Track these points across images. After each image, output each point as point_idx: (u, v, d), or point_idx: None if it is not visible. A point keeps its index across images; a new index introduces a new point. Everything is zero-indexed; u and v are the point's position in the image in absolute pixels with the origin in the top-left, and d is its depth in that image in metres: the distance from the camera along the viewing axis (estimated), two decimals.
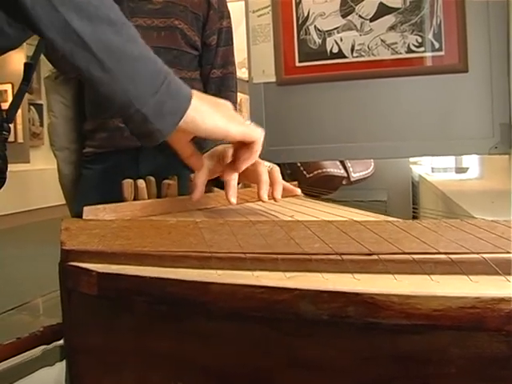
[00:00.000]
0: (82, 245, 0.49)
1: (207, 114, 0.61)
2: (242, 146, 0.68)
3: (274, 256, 0.41)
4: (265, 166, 0.75)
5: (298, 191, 0.81)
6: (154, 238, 0.49)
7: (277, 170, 0.77)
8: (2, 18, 0.71)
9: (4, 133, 0.73)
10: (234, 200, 0.70)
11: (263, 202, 0.71)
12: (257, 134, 0.67)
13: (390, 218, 0.56)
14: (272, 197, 0.73)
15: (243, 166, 0.69)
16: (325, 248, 0.43)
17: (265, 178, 0.73)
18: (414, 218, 0.62)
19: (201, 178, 0.72)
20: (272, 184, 0.75)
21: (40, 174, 7.02)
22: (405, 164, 2.37)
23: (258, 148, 0.68)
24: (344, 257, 0.40)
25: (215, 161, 0.76)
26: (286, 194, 0.79)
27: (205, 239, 0.47)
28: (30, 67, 0.81)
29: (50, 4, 0.53)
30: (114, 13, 0.57)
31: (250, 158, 0.68)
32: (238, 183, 0.74)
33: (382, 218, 0.62)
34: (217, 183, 0.79)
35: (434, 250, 0.41)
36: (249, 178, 0.77)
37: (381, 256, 0.40)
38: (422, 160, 2.68)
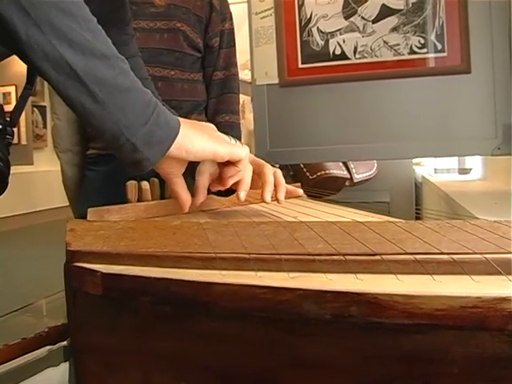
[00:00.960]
0: (87, 246, 0.49)
1: (196, 139, 0.64)
2: (228, 163, 0.70)
3: (278, 256, 0.41)
4: (270, 168, 0.76)
5: (300, 191, 0.82)
6: (158, 239, 0.49)
7: (279, 172, 0.78)
8: None
9: (7, 137, 0.73)
10: (243, 196, 0.72)
11: (266, 203, 0.72)
12: (242, 152, 0.70)
13: (393, 219, 0.56)
14: (275, 198, 0.74)
15: (230, 183, 0.72)
16: (328, 249, 0.43)
17: (270, 179, 0.75)
18: (417, 218, 0.63)
19: (202, 182, 0.73)
20: (276, 186, 0.76)
21: (43, 176, 7.03)
22: (408, 165, 2.36)
23: (243, 165, 0.71)
24: (347, 257, 0.41)
25: (215, 164, 0.76)
26: (289, 195, 0.80)
27: (209, 240, 0.47)
28: (33, 71, 0.81)
29: (45, 37, 0.53)
30: (107, 47, 0.58)
31: (237, 176, 0.71)
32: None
33: (385, 218, 0.62)
34: (217, 193, 0.79)
35: (437, 251, 0.41)
36: (253, 181, 0.78)
37: (384, 256, 0.41)
38: (425, 161, 2.67)
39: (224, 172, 0.71)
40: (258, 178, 0.77)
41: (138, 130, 0.58)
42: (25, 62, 0.57)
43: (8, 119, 0.75)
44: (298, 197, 0.84)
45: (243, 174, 0.72)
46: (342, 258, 0.41)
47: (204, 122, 0.72)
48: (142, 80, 0.66)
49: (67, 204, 1.43)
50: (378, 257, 0.40)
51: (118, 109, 0.57)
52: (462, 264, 0.39)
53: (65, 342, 0.64)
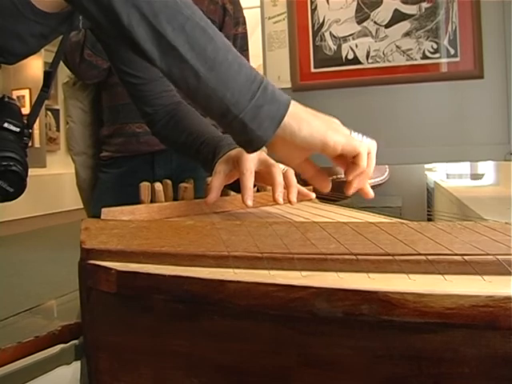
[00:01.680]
0: (102, 244, 0.50)
1: (305, 121, 0.59)
2: (347, 161, 0.63)
3: (290, 255, 0.42)
4: (279, 169, 0.74)
5: (313, 195, 0.81)
6: (172, 238, 0.50)
7: (291, 172, 0.77)
8: (26, 28, 0.73)
9: (24, 139, 0.74)
10: (250, 203, 0.69)
11: (278, 204, 0.71)
12: (361, 146, 0.61)
13: (405, 221, 0.57)
14: (287, 200, 0.73)
15: (353, 189, 0.65)
16: (340, 248, 0.43)
17: (279, 180, 0.73)
18: (429, 220, 0.63)
19: (216, 182, 0.73)
20: (287, 187, 0.75)
21: (56, 179, 7.09)
22: (420, 170, 2.36)
23: (363, 162, 0.61)
24: (359, 257, 0.41)
25: (231, 165, 0.76)
26: (301, 197, 0.80)
27: (222, 239, 0.48)
28: (49, 75, 0.83)
29: (144, 17, 0.54)
30: (205, 22, 0.58)
31: (360, 176, 0.63)
32: (254, 186, 0.74)
33: (397, 221, 0.63)
34: (233, 187, 0.79)
35: (449, 251, 0.42)
36: (264, 181, 0.78)
37: (396, 256, 0.41)
38: (437, 166, 2.67)
39: (347, 173, 0.63)
40: (268, 178, 0.75)
41: (244, 105, 0.56)
42: (129, 46, 0.58)
43: (25, 122, 0.76)
44: (310, 200, 0.84)
45: (364, 175, 0.64)
46: (354, 257, 0.41)
47: (326, 116, 0.63)
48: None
49: (79, 207, 1.44)
50: (389, 257, 0.41)
51: (222, 84, 0.56)
52: (474, 264, 0.39)
53: (78, 340, 0.65)
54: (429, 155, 1.45)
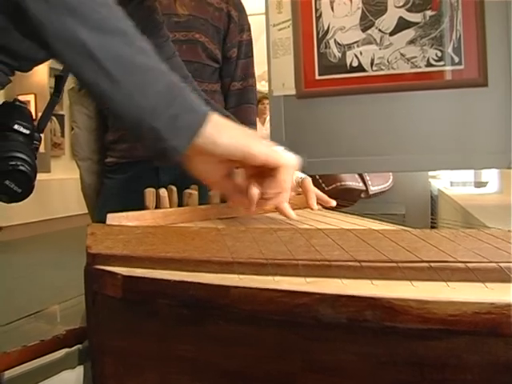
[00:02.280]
0: (108, 249, 0.50)
1: (226, 130, 0.56)
2: (266, 174, 0.60)
3: (295, 262, 0.42)
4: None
5: (333, 202, 0.79)
6: (177, 244, 0.50)
7: (308, 180, 0.77)
8: None
9: (35, 142, 0.74)
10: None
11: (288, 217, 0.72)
12: (282, 158, 0.59)
13: (408, 228, 0.57)
14: (309, 206, 0.73)
15: (272, 201, 0.63)
16: (344, 255, 0.44)
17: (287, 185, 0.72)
18: (433, 228, 0.63)
19: (227, 190, 0.72)
20: (305, 194, 0.74)
21: (60, 184, 7.11)
22: (423, 178, 2.36)
23: (283, 177, 0.59)
24: (363, 263, 0.41)
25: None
26: (321, 203, 0.80)
27: (227, 245, 0.48)
28: (61, 79, 0.83)
29: (56, 15, 0.51)
30: (125, 23, 0.54)
31: (277, 190, 0.60)
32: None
33: (400, 227, 0.63)
34: None
35: (452, 259, 0.42)
36: None
37: (399, 263, 0.41)
38: (441, 174, 2.67)
39: (264, 186, 0.60)
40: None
41: (160, 114, 0.53)
42: (38, 45, 0.54)
43: (35, 125, 0.76)
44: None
45: (282, 190, 0.61)
46: (357, 264, 0.41)
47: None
48: (183, 78, 0.60)
49: (83, 212, 1.45)
50: (393, 263, 0.41)
51: (138, 90, 0.52)
52: (476, 272, 0.39)
53: (82, 345, 0.65)
54: (432, 163, 1.44)
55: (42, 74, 7.07)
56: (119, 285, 0.46)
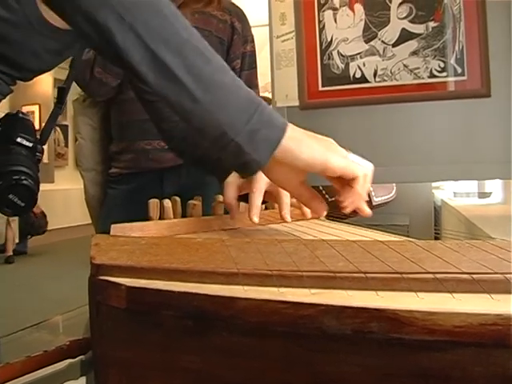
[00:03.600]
0: (112, 260, 0.50)
1: (305, 143, 0.58)
2: (344, 183, 0.62)
3: (300, 273, 0.42)
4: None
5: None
6: (181, 255, 0.50)
7: None
8: (38, 44, 0.74)
9: (37, 154, 0.75)
10: (256, 219, 0.70)
11: (286, 222, 0.72)
12: (359, 169, 0.61)
13: (413, 239, 0.57)
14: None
15: (349, 209, 0.64)
16: (349, 266, 0.44)
17: (286, 200, 0.74)
18: (436, 238, 0.63)
19: (230, 195, 0.73)
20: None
21: (64, 194, 7.13)
22: (427, 188, 2.36)
23: (359, 187, 0.61)
24: (368, 275, 0.41)
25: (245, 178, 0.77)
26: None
27: (231, 256, 0.48)
28: (63, 91, 0.84)
29: (140, 39, 0.53)
30: (203, 45, 0.57)
31: (354, 199, 0.63)
32: (263, 202, 0.75)
33: (404, 238, 0.63)
34: (244, 198, 0.79)
35: (457, 270, 0.42)
36: (273, 199, 0.79)
37: (404, 274, 0.41)
38: (444, 184, 2.66)
39: (340, 196, 0.63)
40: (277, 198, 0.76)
41: (240, 129, 0.55)
42: (123, 68, 0.57)
43: (38, 137, 0.77)
44: (317, 218, 0.84)
45: (356, 198, 0.63)
46: (362, 275, 0.41)
47: (323, 137, 0.63)
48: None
49: (87, 222, 1.45)
50: (398, 275, 0.41)
51: (218, 107, 0.55)
52: (482, 283, 0.39)
53: (86, 356, 0.65)
54: (436, 173, 1.44)
55: (46, 84, 7.12)
56: (123, 296, 0.46)
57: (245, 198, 0.78)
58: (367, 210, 0.67)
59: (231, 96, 0.56)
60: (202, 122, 0.56)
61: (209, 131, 0.57)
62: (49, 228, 7.19)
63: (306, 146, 0.58)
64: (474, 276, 0.40)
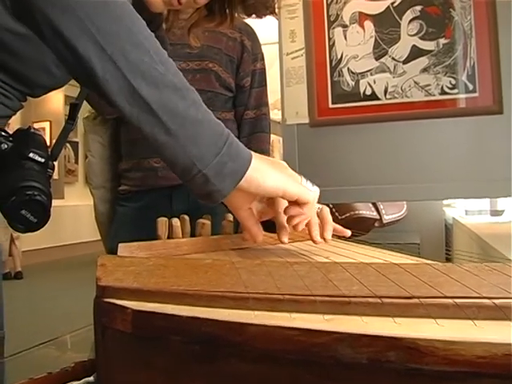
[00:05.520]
0: (118, 281, 0.49)
1: (267, 173, 0.63)
2: (295, 204, 0.68)
3: (312, 298, 0.40)
4: (314, 208, 0.74)
5: (348, 233, 0.80)
6: (190, 277, 0.49)
7: (326, 210, 0.77)
8: (49, 59, 0.74)
9: (49, 170, 0.74)
10: (286, 240, 0.72)
11: (315, 243, 0.71)
12: (310, 196, 0.67)
13: (429, 261, 0.55)
14: (322, 237, 0.73)
15: (294, 224, 0.69)
16: (363, 290, 0.42)
17: (315, 220, 0.74)
18: (447, 260, 0.61)
19: (250, 221, 0.72)
20: (322, 224, 0.75)
21: (73, 210, 7.15)
22: (438, 206, 2.33)
23: (308, 210, 0.68)
24: (384, 300, 0.39)
25: (264, 203, 0.76)
26: (336, 234, 0.79)
27: (241, 279, 0.46)
28: (75, 107, 0.83)
29: (120, 71, 0.55)
30: (179, 79, 0.59)
31: (298, 217, 0.69)
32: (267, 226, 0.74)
33: (418, 259, 0.61)
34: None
35: (477, 295, 0.40)
36: None
37: (422, 300, 0.39)
38: (456, 202, 2.64)
39: (287, 210, 0.69)
40: None
41: (209, 161, 0.58)
42: (100, 97, 0.58)
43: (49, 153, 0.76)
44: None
45: (305, 218, 0.70)
46: (378, 300, 0.40)
47: (276, 159, 0.70)
48: None
49: (96, 238, 1.44)
50: (415, 300, 0.39)
51: (190, 140, 0.58)
52: (504, 309, 0.37)
53: (91, 378, 0.63)
54: (447, 191, 1.42)
55: (57, 101, 7.18)
56: (129, 319, 0.44)
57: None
58: (319, 240, 0.72)
59: (203, 130, 0.59)
60: (174, 154, 0.58)
61: (179, 163, 0.59)
62: (59, 244, 7.21)
63: (267, 175, 0.63)
64: (496, 301, 0.38)
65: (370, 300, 0.40)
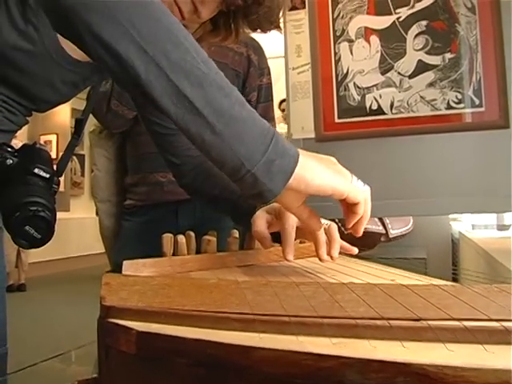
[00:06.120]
0: (122, 301, 0.48)
1: (316, 170, 0.61)
2: (348, 208, 0.66)
3: (320, 320, 0.40)
4: (322, 226, 0.72)
5: (355, 250, 0.79)
6: (195, 297, 0.48)
7: (334, 227, 0.76)
8: (55, 75, 0.74)
9: (54, 186, 0.74)
10: (291, 258, 0.70)
11: (321, 261, 0.70)
12: (360, 195, 0.64)
13: (437, 282, 0.54)
14: (329, 255, 0.72)
15: (352, 229, 0.68)
16: (370, 312, 0.41)
17: (323, 238, 0.73)
18: (454, 280, 0.60)
19: (261, 226, 0.73)
20: (330, 242, 0.74)
21: (79, 223, 7.15)
22: (444, 220, 2.32)
23: (360, 210, 0.65)
24: (392, 323, 0.39)
25: (273, 215, 0.76)
26: (343, 252, 0.78)
27: (247, 300, 0.46)
28: (81, 122, 0.83)
29: (162, 72, 0.54)
30: (221, 77, 0.58)
31: (356, 220, 0.66)
32: (295, 239, 0.73)
33: (425, 278, 0.60)
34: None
35: (486, 317, 0.39)
36: (305, 237, 0.78)
37: (430, 323, 0.39)
38: (462, 216, 2.62)
39: (348, 219, 0.66)
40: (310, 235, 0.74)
41: (257, 160, 0.57)
42: (144, 99, 0.58)
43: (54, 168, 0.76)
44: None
45: (361, 219, 0.67)
46: (386, 323, 0.39)
47: (324, 156, 0.66)
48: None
49: (102, 251, 1.44)
50: (424, 323, 0.38)
51: (237, 139, 0.57)
52: None
53: None
54: (453, 206, 1.42)
55: (64, 114, 7.22)
56: (133, 340, 0.44)
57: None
58: (360, 233, 0.69)
59: (249, 129, 0.57)
60: (221, 154, 0.57)
61: (227, 162, 0.58)
62: (64, 256, 7.21)
63: (316, 173, 0.60)
64: (506, 325, 0.38)
65: (378, 323, 0.39)
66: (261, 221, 0.75)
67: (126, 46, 0.54)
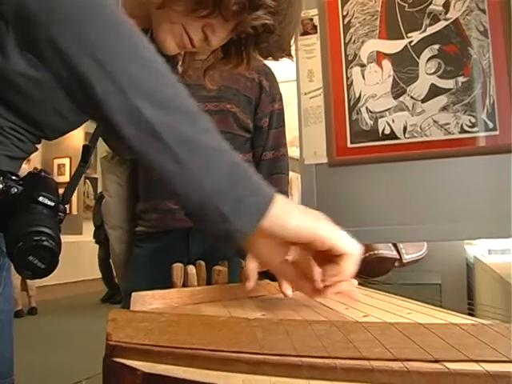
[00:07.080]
0: (129, 338, 0.47)
1: (294, 213, 0.54)
2: (328, 259, 0.57)
3: (333, 364, 0.38)
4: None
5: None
6: (203, 335, 0.47)
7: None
8: (64, 103, 0.74)
9: (59, 214, 0.72)
10: (289, 293, 0.66)
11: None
12: (349, 246, 0.56)
13: (457, 320, 0.52)
14: None
15: (331, 291, 0.59)
16: (386, 354, 0.39)
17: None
18: (470, 314, 0.57)
19: (251, 266, 0.68)
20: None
21: (91, 246, 7.16)
22: (459, 244, 2.29)
23: (347, 265, 0.56)
24: (409, 367, 0.37)
25: None
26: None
27: (257, 339, 0.44)
28: (88, 149, 0.83)
29: (122, 91, 0.50)
30: (190, 103, 0.53)
31: (338, 276, 0.57)
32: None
33: (441, 311, 0.58)
34: (268, 274, 0.76)
35: (508, 359, 0.37)
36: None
37: (449, 365, 0.37)
38: (478, 240, 2.58)
39: (324, 271, 0.58)
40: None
41: (225, 195, 0.51)
42: (99, 119, 0.53)
43: (61, 196, 0.75)
44: None
45: (341, 279, 0.58)
46: (402, 367, 0.37)
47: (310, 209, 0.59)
48: None
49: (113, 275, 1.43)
50: (444, 369, 0.36)
51: (203, 170, 0.51)
52: None
53: None
54: (468, 231, 1.40)
55: (77, 138, 7.29)
56: (139, 381, 0.42)
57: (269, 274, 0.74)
58: (357, 296, 0.62)
59: (216, 160, 0.52)
60: (184, 186, 0.51)
61: (191, 196, 0.51)
62: (75, 280, 7.21)
63: (294, 215, 0.54)
64: None
65: (395, 368, 0.37)
66: (250, 259, 0.69)
67: (86, 61, 0.49)
